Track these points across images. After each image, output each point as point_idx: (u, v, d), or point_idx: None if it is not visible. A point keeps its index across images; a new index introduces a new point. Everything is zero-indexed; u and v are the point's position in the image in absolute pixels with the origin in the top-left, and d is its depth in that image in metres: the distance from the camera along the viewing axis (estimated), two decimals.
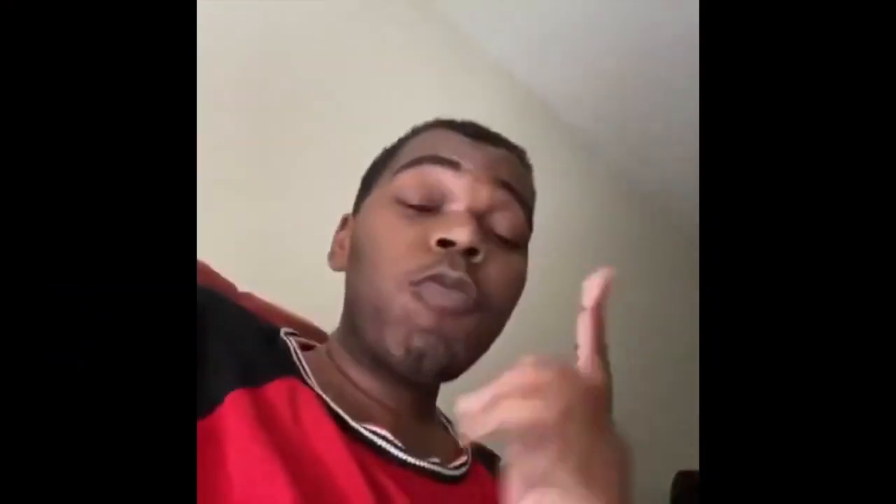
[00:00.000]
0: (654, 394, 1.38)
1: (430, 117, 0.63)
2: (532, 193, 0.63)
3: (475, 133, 0.59)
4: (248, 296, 0.65)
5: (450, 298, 0.52)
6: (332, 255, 0.63)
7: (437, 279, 0.52)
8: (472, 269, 0.53)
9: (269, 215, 0.92)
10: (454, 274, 0.52)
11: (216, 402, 0.46)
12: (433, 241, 0.53)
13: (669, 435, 1.29)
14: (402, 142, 0.63)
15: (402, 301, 0.53)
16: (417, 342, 0.52)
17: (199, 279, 0.59)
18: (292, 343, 0.57)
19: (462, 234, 0.52)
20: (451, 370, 0.55)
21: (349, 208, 0.64)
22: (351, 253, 0.59)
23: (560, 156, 1.31)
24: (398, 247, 0.54)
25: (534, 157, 0.64)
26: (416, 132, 0.63)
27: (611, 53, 1.29)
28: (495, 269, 0.55)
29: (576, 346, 0.43)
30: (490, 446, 0.62)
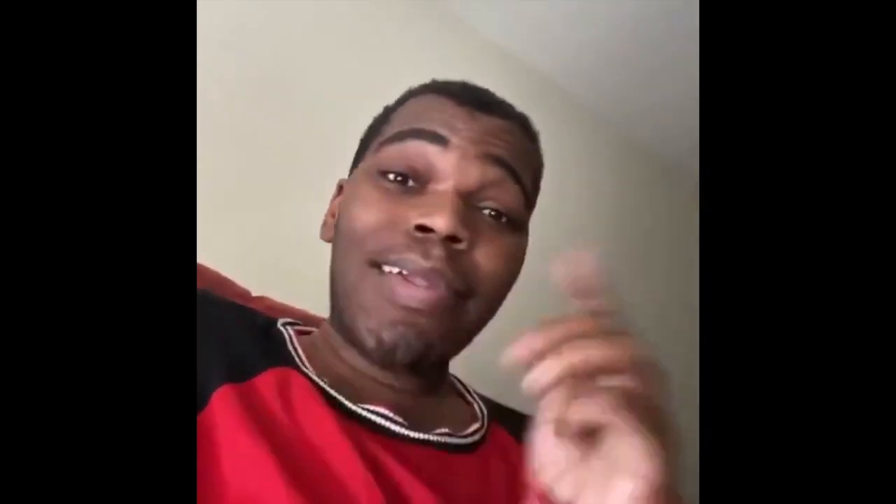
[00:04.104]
0: (680, 382, 1.36)
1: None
2: (535, 164, 0.59)
3: (471, 100, 0.55)
4: (262, 299, 0.65)
5: (415, 297, 0.49)
6: (323, 225, 0.60)
7: (400, 266, 0.50)
8: (455, 257, 0.50)
9: (274, 220, 0.92)
10: (425, 264, 0.49)
11: (203, 400, 0.46)
12: (411, 225, 0.50)
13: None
14: (396, 105, 0.59)
15: (366, 290, 0.51)
16: (387, 335, 0.50)
17: (214, 287, 0.59)
18: (288, 331, 0.56)
19: (441, 222, 0.49)
20: (429, 360, 0.52)
21: None
22: (336, 225, 0.57)
23: (560, 126, 1.31)
24: (369, 224, 0.51)
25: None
26: (411, 94, 0.59)
27: (608, 20, 1.27)
28: (484, 254, 0.52)
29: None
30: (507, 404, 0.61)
